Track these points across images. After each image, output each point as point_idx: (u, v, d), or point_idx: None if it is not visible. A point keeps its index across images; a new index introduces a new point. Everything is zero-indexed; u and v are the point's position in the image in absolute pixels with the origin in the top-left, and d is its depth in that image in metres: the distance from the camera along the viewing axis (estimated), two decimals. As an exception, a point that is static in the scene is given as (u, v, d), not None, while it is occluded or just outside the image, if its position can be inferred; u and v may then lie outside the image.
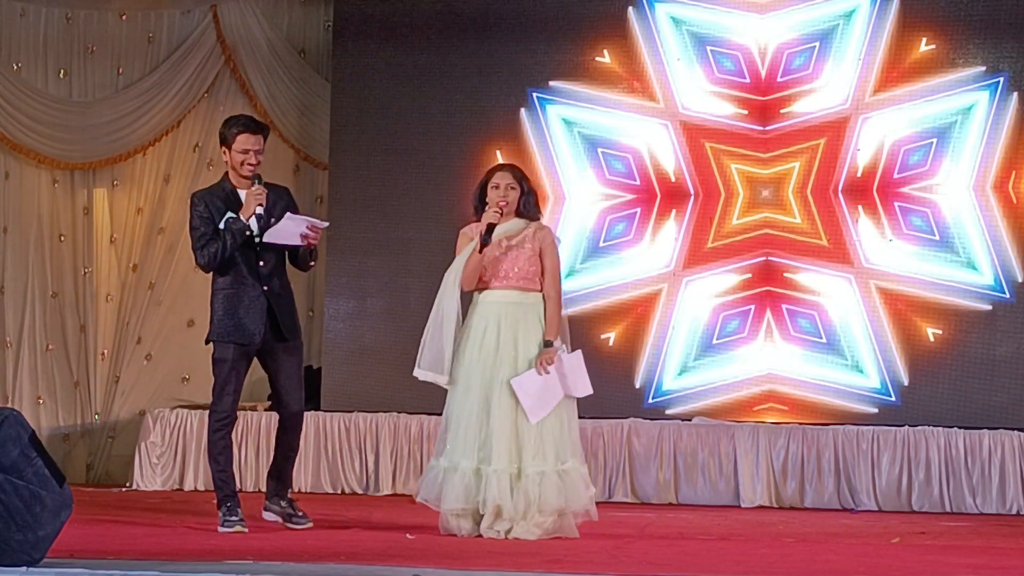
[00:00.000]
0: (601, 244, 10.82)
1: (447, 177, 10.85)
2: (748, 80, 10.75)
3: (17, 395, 11.41)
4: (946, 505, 10.00)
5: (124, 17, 11.72)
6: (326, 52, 11.57)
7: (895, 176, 10.57)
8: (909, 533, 8.20)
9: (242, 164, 7.55)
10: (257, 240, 7.54)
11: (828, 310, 10.60)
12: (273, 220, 7.55)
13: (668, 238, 10.78)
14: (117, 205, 11.71)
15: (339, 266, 11.02)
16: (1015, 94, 10.47)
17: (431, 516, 7.51)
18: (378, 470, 10.55)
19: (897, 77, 10.61)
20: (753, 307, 10.68)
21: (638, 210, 10.81)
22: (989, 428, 10.14)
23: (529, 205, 7.55)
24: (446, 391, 7.52)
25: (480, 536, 7.23)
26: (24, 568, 5.41)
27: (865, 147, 10.61)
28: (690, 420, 10.47)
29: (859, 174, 10.60)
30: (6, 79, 11.44)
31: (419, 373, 7.47)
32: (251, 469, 10.52)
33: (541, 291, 7.48)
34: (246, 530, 7.42)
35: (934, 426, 10.16)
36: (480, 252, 7.36)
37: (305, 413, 7.91)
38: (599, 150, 10.85)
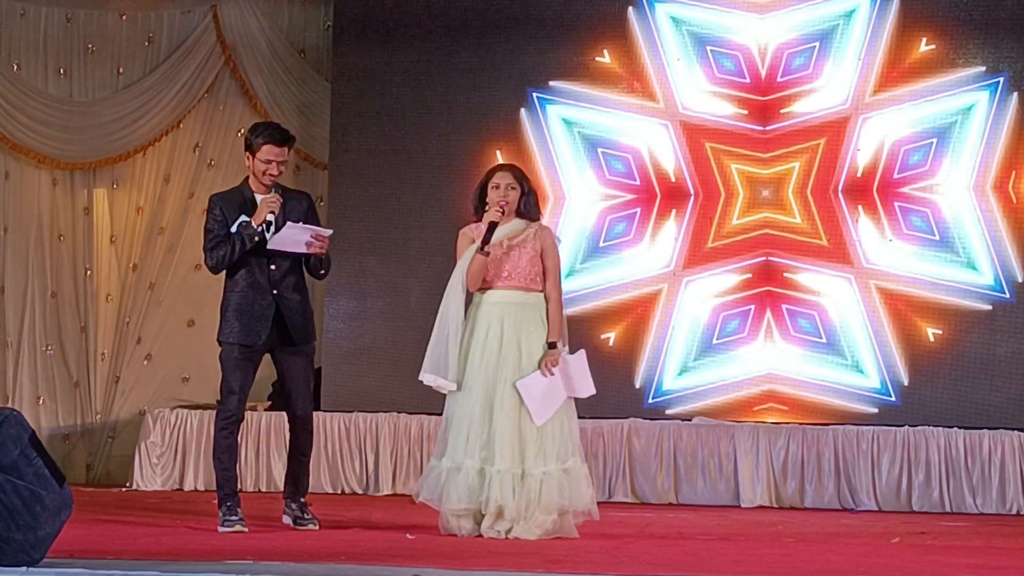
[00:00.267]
0: (601, 244, 10.83)
1: (447, 177, 10.86)
2: (748, 80, 10.75)
3: (17, 395, 11.41)
4: (946, 505, 10.00)
5: (124, 17, 11.72)
6: (326, 52, 11.57)
7: (895, 176, 10.57)
8: (909, 533, 8.20)
9: (264, 173, 7.60)
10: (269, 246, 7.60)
11: (828, 310, 10.60)
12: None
13: (668, 238, 10.78)
14: (117, 205, 11.71)
15: (339, 266, 10.97)
16: (1015, 94, 10.47)
17: (431, 516, 7.51)
18: (378, 470, 10.55)
19: (897, 77, 10.62)
20: (753, 307, 10.68)
21: (638, 210, 10.81)
22: (989, 428, 10.15)
23: (529, 205, 7.54)
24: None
25: (480, 536, 7.23)
26: (24, 568, 5.40)
27: (865, 147, 10.61)
28: (690, 420, 10.47)
29: (859, 174, 10.61)
30: (6, 79, 11.44)
31: (425, 378, 7.46)
32: (251, 469, 10.52)
33: (543, 291, 7.48)
34: (246, 530, 7.43)
35: (934, 426, 10.17)
36: (483, 252, 7.35)
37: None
38: (599, 150, 10.86)
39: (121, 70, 11.71)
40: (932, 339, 10.49)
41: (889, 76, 10.62)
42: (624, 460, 10.29)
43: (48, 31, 11.64)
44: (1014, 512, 9.93)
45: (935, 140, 10.54)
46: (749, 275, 10.71)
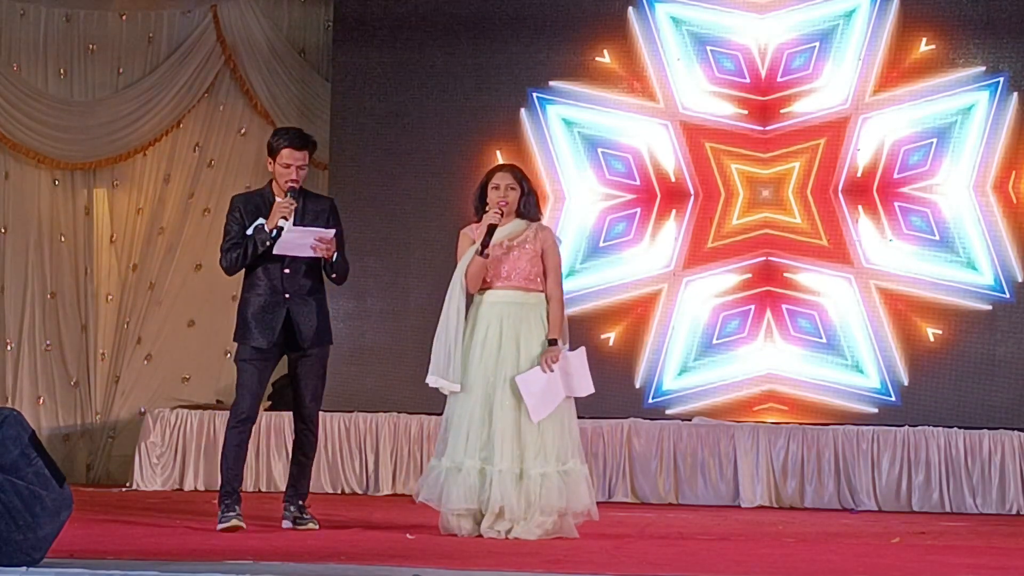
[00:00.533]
0: (601, 244, 10.83)
1: (447, 177, 10.86)
2: (748, 80, 10.75)
3: (17, 395, 11.41)
4: (946, 505, 10.00)
5: (124, 17, 11.72)
6: (326, 52, 11.57)
7: (895, 176, 10.57)
8: (909, 533, 8.20)
9: (283, 177, 7.61)
10: None
11: (828, 310, 10.60)
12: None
13: (668, 238, 10.78)
14: (117, 205, 11.70)
15: (339, 266, 11.01)
16: (1015, 94, 10.47)
17: (431, 516, 7.51)
18: (378, 470, 10.55)
19: (897, 77, 10.62)
20: (753, 307, 10.68)
21: (638, 210, 10.81)
22: (989, 428, 10.14)
23: (530, 206, 7.54)
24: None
25: (480, 536, 7.23)
26: (24, 568, 5.40)
27: (865, 147, 10.62)
28: (690, 420, 10.47)
29: (859, 174, 10.61)
30: (6, 79, 11.44)
31: (431, 380, 7.47)
32: (251, 469, 10.50)
33: (542, 291, 7.47)
34: (243, 524, 7.44)
35: (934, 426, 10.16)
36: (482, 254, 7.34)
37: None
38: (599, 150, 10.86)
39: (121, 70, 11.71)
40: (932, 339, 10.49)
41: (889, 76, 10.62)
42: (624, 460, 10.29)
43: (48, 31, 11.63)
44: (1014, 512, 9.93)
45: (935, 140, 10.55)
46: (749, 275, 10.71)
